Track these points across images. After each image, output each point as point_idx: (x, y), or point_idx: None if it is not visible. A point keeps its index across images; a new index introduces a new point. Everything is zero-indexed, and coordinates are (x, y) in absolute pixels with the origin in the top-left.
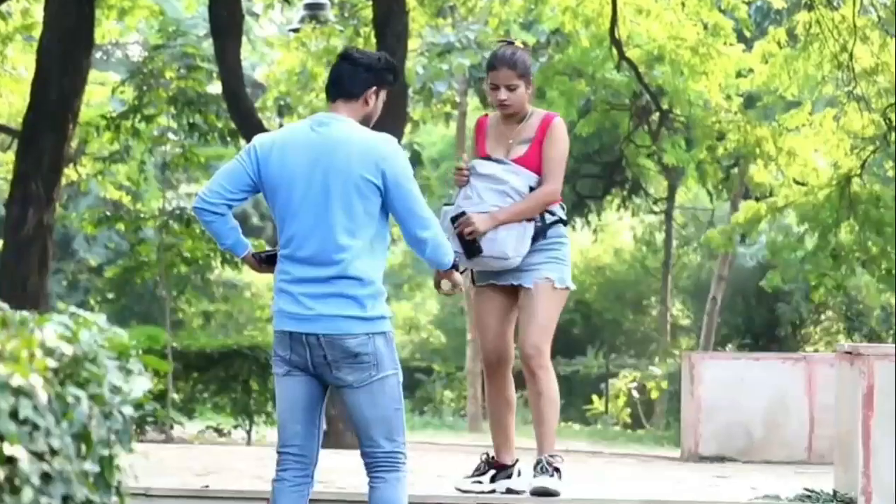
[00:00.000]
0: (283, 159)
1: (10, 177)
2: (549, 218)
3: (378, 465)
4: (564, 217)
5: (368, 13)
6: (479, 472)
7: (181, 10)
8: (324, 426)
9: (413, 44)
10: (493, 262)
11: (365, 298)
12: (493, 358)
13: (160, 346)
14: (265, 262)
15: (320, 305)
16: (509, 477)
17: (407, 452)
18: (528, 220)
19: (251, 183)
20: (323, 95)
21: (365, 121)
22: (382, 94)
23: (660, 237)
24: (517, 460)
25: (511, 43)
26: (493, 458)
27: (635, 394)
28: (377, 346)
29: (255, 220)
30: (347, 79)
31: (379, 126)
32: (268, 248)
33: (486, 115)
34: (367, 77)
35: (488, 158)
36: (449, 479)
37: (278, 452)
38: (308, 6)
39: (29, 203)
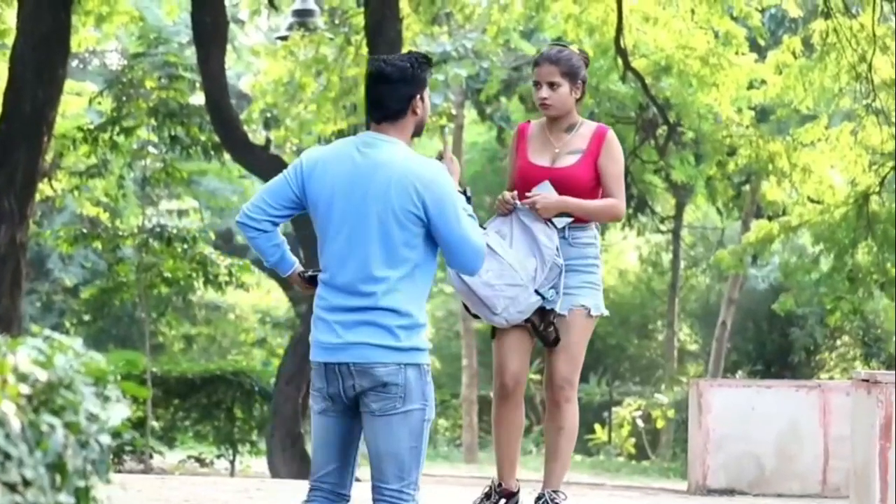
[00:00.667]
0: (324, 178)
1: None
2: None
3: (382, 502)
4: (598, 237)
5: (360, 20)
6: (488, 499)
7: (162, 16)
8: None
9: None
10: (480, 307)
11: (399, 329)
12: (511, 383)
13: (139, 372)
14: (310, 282)
15: (351, 334)
16: None
17: (416, 496)
18: (537, 292)
19: (295, 199)
20: (312, 107)
21: (419, 127)
22: (426, 93)
23: (667, 258)
24: (519, 488)
25: (564, 45)
26: (500, 485)
27: (640, 423)
28: (408, 377)
29: (239, 238)
30: (388, 99)
31: None
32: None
33: (529, 121)
34: (406, 90)
35: (530, 172)
36: None
37: (310, 483)
38: (296, 13)
39: (1, 220)
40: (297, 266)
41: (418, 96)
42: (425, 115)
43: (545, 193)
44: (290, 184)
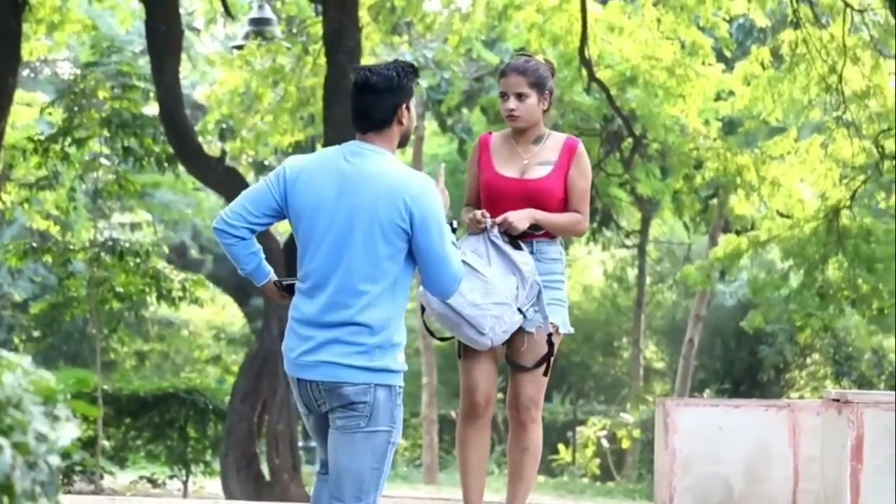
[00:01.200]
0: (309, 187)
1: None
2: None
3: None
4: (563, 253)
5: (318, 29)
6: None
7: (115, 24)
8: None
9: (366, 62)
10: (465, 329)
11: (372, 348)
12: (483, 401)
13: (90, 390)
14: (286, 290)
15: (323, 352)
16: None
17: None
18: (520, 311)
19: (276, 207)
20: (268, 118)
21: (404, 137)
22: (412, 103)
23: (632, 273)
24: None
25: (530, 55)
26: None
27: (605, 443)
28: (377, 397)
29: (193, 252)
30: (373, 109)
31: None
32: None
33: (490, 132)
34: (392, 100)
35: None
36: None
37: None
38: (253, 21)
39: None
40: (273, 275)
41: (404, 106)
42: (411, 126)
43: (508, 221)
44: (272, 191)
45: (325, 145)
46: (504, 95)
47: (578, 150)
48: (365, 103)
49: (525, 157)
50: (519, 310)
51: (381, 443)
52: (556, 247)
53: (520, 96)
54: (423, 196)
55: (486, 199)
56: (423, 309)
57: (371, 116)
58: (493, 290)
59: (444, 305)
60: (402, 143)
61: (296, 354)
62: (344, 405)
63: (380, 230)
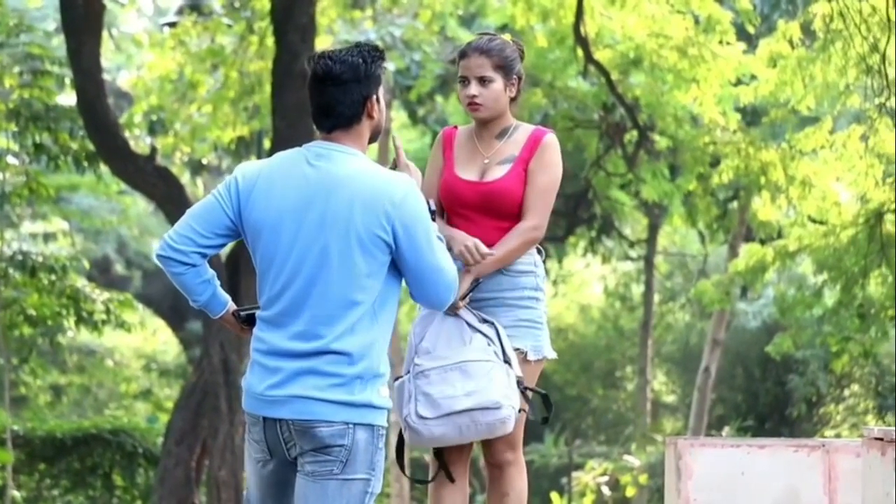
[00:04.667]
0: (268, 197)
1: None
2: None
3: None
4: (540, 264)
5: (264, 4)
6: None
7: None
8: None
9: (323, 42)
10: (483, 418)
11: (352, 379)
12: (454, 448)
13: None
14: (247, 322)
15: (294, 385)
16: None
17: None
18: (507, 363)
19: (230, 225)
20: (206, 108)
21: (374, 133)
22: (382, 92)
23: (637, 291)
24: None
25: (494, 34)
26: None
27: (606, 490)
28: (356, 439)
29: (119, 267)
30: (339, 104)
31: (281, 148)
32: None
33: (455, 126)
34: (360, 91)
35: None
36: None
37: None
38: None
39: None
40: (231, 304)
41: (374, 97)
42: (382, 119)
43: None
44: (223, 206)
45: (273, 140)
46: (464, 80)
47: (544, 141)
48: (329, 97)
49: (486, 156)
50: (506, 362)
51: (357, 493)
52: (526, 257)
53: (482, 80)
54: (407, 201)
55: (446, 205)
56: (399, 444)
57: (337, 112)
58: (472, 367)
59: (444, 421)
60: (372, 140)
61: (261, 388)
62: (317, 448)
63: (358, 243)
